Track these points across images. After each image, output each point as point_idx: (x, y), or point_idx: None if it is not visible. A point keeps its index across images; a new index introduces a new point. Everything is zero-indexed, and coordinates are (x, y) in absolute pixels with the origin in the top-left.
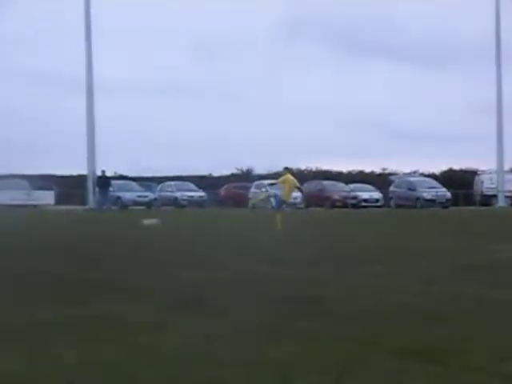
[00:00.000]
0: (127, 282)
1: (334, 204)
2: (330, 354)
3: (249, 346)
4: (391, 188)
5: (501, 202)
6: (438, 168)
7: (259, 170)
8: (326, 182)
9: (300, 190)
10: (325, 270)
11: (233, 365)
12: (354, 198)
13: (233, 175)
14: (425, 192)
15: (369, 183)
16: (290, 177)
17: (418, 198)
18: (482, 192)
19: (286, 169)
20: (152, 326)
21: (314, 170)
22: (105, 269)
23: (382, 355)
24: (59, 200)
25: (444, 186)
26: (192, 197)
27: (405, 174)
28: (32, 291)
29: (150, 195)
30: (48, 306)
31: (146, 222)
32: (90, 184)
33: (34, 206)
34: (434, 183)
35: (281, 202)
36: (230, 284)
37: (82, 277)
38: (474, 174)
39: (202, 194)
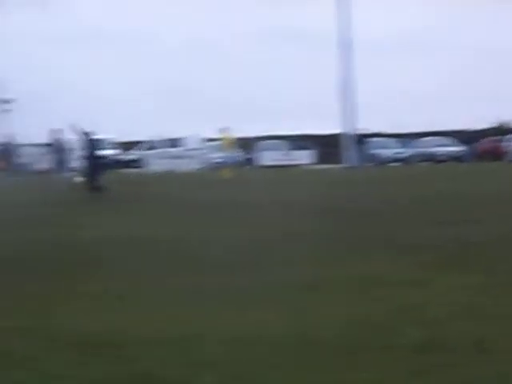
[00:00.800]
0: (390, 240)
1: None
2: None
3: None
4: None
5: None
6: None
7: None
8: None
9: None
10: None
11: (498, 320)
12: None
13: (491, 129)
14: None
15: None
16: None
17: None
18: None
19: None
20: (415, 283)
21: None
22: (372, 227)
23: None
24: (316, 159)
25: None
26: (449, 151)
27: None
28: (298, 251)
29: (407, 151)
30: (317, 264)
31: (76, 179)
32: (346, 142)
33: (295, 165)
34: None
35: None
36: (487, 241)
37: (351, 234)
38: None
39: (459, 148)
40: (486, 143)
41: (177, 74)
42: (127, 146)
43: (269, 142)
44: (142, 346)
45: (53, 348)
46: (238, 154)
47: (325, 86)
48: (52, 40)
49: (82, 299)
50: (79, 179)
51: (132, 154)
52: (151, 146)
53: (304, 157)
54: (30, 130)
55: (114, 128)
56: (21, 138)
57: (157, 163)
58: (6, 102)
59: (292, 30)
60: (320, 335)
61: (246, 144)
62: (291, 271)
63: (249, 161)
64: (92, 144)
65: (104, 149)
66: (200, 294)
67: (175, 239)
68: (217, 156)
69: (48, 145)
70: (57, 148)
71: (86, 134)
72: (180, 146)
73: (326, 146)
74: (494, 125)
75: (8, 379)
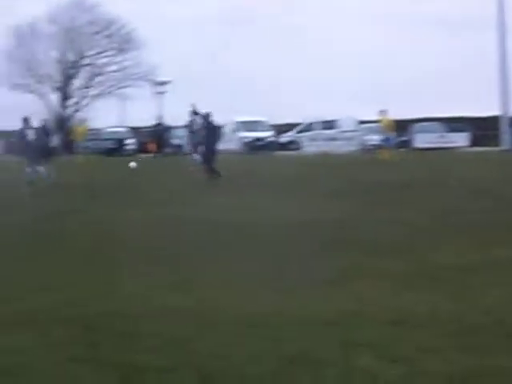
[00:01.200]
0: None
1: None
2: None
3: None
4: None
5: None
6: None
7: None
8: None
9: None
10: None
11: None
12: None
13: None
14: None
15: None
16: None
17: None
18: None
19: None
20: None
21: None
22: None
23: None
24: (473, 142)
25: None
26: None
27: None
28: (454, 233)
29: None
30: (474, 246)
31: (132, 164)
32: (503, 125)
33: (450, 148)
34: None
35: None
36: None
37: (506, 217)
38: None
39: None
40: None
41: (336, 60)
42: (284, 128)
43: (424, 124)
44: (298, 326)
45: (208, 328)
46: (394, 137)
47: (483, 70)
48: (209, 22)
49: (217, 280)
50: (134, 164)
51: (288, 137)
52: (307, 127)
53: (460, 139)
54: (183, 112)
55: (270, 110)
56: (174, 121)
57: (312, 145)
58: (161, 83)
59: (449, 14)
60: (479, 318)
61: (402, 126)
62: (447, 252)
63: (404, 143)
64: (209, 126)
65: (259, 131)
66: (355, 275)
67: (338, 220)
68: (372, 138)
69: (187, 126)
70: (191, 129)
71: (205, 116)
72: (335, 128)
73: (483, 128)
74: None
75: (161, 358)
